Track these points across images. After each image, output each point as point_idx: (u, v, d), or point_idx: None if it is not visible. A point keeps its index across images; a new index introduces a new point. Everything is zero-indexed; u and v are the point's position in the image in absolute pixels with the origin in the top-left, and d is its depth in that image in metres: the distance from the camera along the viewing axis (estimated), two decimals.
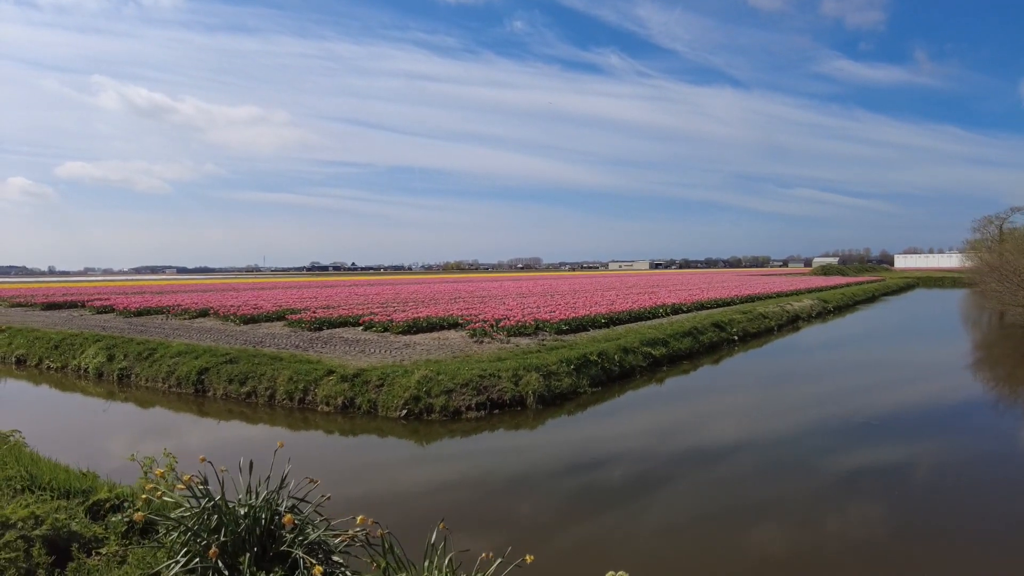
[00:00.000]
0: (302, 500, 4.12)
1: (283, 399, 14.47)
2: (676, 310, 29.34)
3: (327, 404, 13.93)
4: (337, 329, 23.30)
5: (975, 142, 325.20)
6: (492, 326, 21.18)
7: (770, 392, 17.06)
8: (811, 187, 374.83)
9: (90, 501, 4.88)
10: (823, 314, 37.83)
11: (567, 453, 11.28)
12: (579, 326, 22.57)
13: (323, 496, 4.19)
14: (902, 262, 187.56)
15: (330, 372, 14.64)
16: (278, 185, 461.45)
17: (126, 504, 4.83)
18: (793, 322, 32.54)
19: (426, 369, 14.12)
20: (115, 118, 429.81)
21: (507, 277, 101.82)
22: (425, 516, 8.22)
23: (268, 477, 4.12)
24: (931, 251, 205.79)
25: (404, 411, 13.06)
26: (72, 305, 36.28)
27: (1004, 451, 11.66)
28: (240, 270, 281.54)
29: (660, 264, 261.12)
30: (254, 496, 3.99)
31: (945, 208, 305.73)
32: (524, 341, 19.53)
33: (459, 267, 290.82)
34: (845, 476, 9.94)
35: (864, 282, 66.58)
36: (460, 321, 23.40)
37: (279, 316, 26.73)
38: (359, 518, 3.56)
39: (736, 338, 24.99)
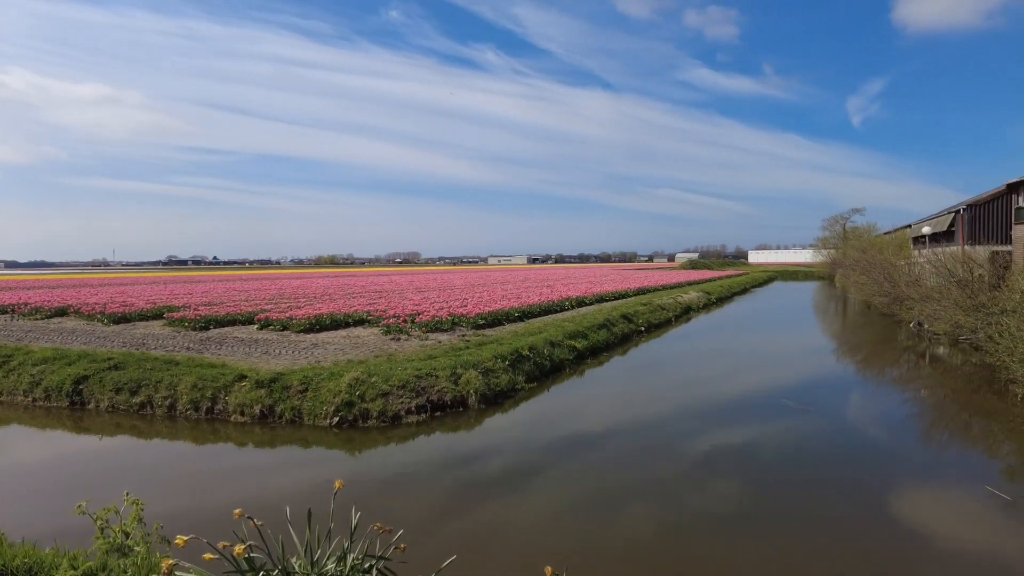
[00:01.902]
0: (381, 557, 3.10)
1: (187, 409, 12.62)
2: (580, 303, 29.60)
3: (241, 413, 12.31)
4: (227, 328, 21.09)
5: (813, 150, 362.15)
6: (408, 322, 20.07)
7: (683, 377, 17.45)
8: (675, 187, 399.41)
9: None
10: (708, 305, 39.94)
11: (526, 456, 10.63)
12: (495, 320, 21.97)
13: (398, 548, 3.21)
14: (755, 257, 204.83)
15: (241, 377, 12.98)
16: (130, 172, 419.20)
17: None
18: (686, 312, 33.99)
19: (357, 371, 12.88)
20: None
21: (393, 272, 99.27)
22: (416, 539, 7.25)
23: (329, 530, 3.09)
24: (779, 247, 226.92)
25: (336, 418, 11.79)
26: None
27: (854, 424, 12.96)
28: (85, 264, 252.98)
29: (537, 259, 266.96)
30: (313, 558, 2.93)
31: (789, 209, 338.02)
32: (444, 337, 18.64)
33: (333, 261, 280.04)
34: (757, 445, 10.19)
35: (734, 275, 71.54)
36: (368, 318, 22.02)
37: (156, 314, 23.84)
38: None
39: (643, 329, 25.57)
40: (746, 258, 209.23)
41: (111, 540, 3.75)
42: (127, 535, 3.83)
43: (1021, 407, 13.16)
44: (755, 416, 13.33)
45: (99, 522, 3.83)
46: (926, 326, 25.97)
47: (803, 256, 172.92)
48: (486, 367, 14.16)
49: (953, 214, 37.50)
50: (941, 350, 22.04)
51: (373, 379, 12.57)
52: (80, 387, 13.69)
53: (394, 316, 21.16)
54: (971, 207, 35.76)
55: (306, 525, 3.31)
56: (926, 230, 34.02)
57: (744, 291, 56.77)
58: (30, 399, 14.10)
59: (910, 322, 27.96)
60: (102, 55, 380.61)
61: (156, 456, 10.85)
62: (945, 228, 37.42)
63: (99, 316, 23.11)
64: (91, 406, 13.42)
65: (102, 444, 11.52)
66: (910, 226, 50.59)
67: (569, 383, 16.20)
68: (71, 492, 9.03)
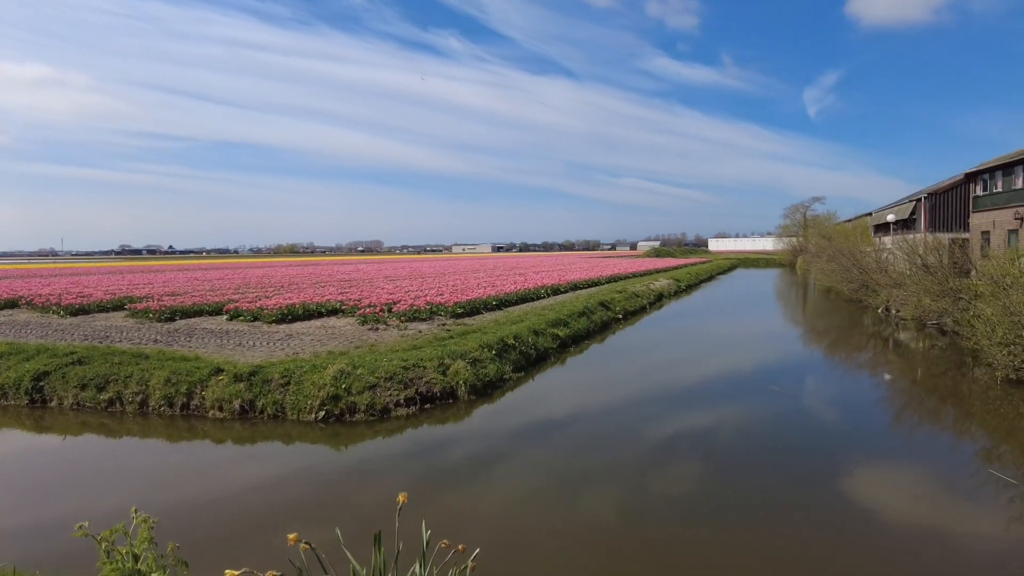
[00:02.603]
0: None
1: (160, 405, 11.92)
2: (555, 291, 29.40)
3: (220, 409, 11.69)
4: (194, 319, 20.20)
5: (771, 140, 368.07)
6: (385, 311, 19.52)
7: (665, 363, 17.44)
8: (636, 176, 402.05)
9: None
10: (678, 292, 40.23)
11: (523, 450, 10.34)
12: (473, 309, 21.57)
13: (468, 567, 2.85)
14: (715, 245, 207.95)
15: (218, 371, 12.33)
16: (78, 158, 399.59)
17: None
18: (659, 300, 34.13)
19: (341, 362, 12.36)
20: None
21: (358, 260, 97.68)
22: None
23: (397, 552, 2.69)
24: (738, 235, 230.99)
25: (322, 412, 11.28)
26: None
27: (832, 406, 13.25)
28: (31, 254, 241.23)
29: (502, 247, 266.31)
30: None
31: (747, 197, 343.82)
32: (423, 326, 18.18)
33: (293, 250, 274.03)
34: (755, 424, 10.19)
35: (698, 263, 72.41)
36: (342, 307, 21.38)
37: (116, 305, 22.72)
38: None
39: (620, 316, 25.52)
40: (706, 246, 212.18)
41: (119, 566, 3.28)
42: (137, 558, 3.37)
43: (999, 389, 13.41)
44: (735, 400, 13.43)
45: (104, 544, 3.35)
46: (894, 311, 26.54)
47: (762, 244, 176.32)
48: (473, 357, 13.79)
49: (914, 202, 38.50)
50: (910, 334, 22.51)
51: (359, 371, 12.07)
52: (41, 384, 12.83)
53: (369, 305, 20.58)
54: (932, 195, 36.72)
55: (353, 545, 2.92)
56: (891, 218, 34.81)
57: (710, 278, 57.48)
58: None
59: (877, 308, 28.56)
60: (43, 34, 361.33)
61: (131, 456, 10.20)
62: (907, 216, 38.41)
63: (54, 308, 21.90)
64: (53, 404, 12.59)
65: (69, 444, 10.81)
66: (871, 214, 51.84)
67: (556, 372, 15.96)
68: (41, 497, 8.39)
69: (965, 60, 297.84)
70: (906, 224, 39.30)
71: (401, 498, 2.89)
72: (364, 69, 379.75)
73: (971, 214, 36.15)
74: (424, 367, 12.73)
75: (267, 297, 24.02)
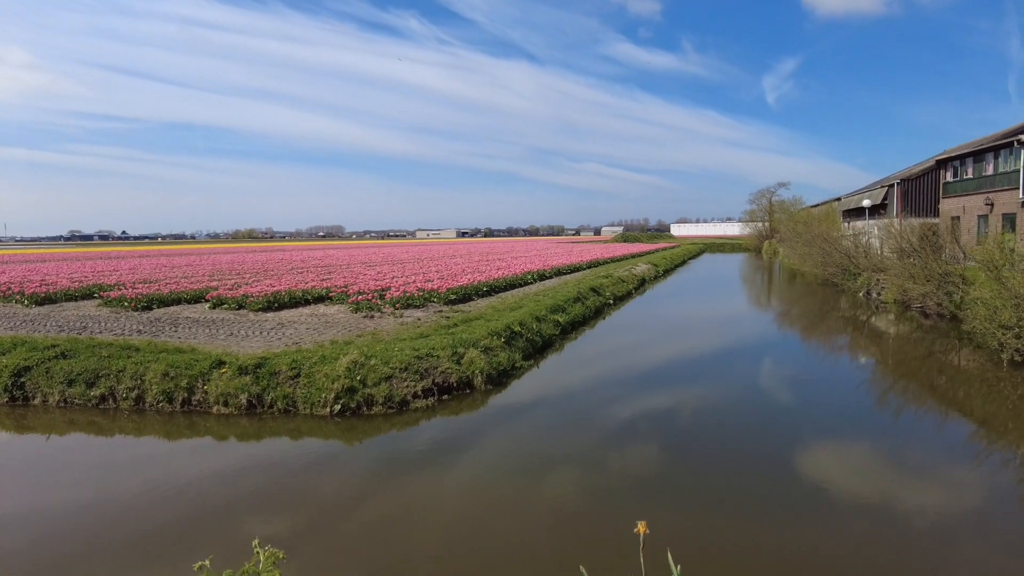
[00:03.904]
0: None
1: (158, 401, 11.12)
2: (541, 276, 29.10)
3: (225, 404, 10.97)
4: (174, 307, 19.22)
5: (729, 127, 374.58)
6: (377, 298, 18.87)
7: (669, 343, 17.33)
8: (598, 162, 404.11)
9: None
10: (658, 276, 40.37)
11: (557, 439, 9.97)
12: (465, 295, 21.08)
13: None
14: (678, 230, 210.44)
15: (220, 363, 11.58)
16: (18, 138, 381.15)
17: None
18: (642, 284, 34.16)
19: (353, 352, 11.74)
20: None
21: (326, 246, 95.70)
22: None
23: None
24: (699, 220, 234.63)
25: (337, 406, 10.68)
26: None
27: (827, 387, 13.42)
28: None
29: (466, 233, 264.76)
30: None
31: (706, 183, 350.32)
32: (419, 314, 17.63)
33: (251, 235, 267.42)
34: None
35: (667, 248, 73.04)
36: (329, 294, 20.63)
37: (86, 294, 21.50)
38: None
39: (611, 301, 25.39)
40: (668, 231, 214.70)
41: None
42: None
43: (1001, 370, 13.59)
44: (745, 376, 13.46)
45: None
46: (874, 295, 26.98)
47: (723, 229, 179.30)
48: (484, 345, 13.32)
49: (887, 188, 39.26)
50: (894, 317, 22.87)
51: (372, 361, 11.48)
52: (22, 380, 11.86)
53: (360, 292, 19.91)
54: (904, 181, 37.47)
55: None
56: (866, 203, 35.44)
57: (683, 263, 57.99)
58: None
59: (857, 291, 29.01)
60: None
61: (132, 458, 9.45)
62: (879, 201, 39.18)
63: (17, 297, 20.58)
64: (37, 401, 11.66)
65: (56, 444, 10.00)
66: (839, 199, 52.85)
67: (564, 357, 15.65)
68: (39, 503, 7.67)
69: (913, 52, 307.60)
70: (878, 209, 40.11)
71: (640, 528, 2.39)
72: (322, 50, 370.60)
73: (941, 199, 37.07)
74: (437, 356, 12.21)
75: (247, 284, 23.09)
